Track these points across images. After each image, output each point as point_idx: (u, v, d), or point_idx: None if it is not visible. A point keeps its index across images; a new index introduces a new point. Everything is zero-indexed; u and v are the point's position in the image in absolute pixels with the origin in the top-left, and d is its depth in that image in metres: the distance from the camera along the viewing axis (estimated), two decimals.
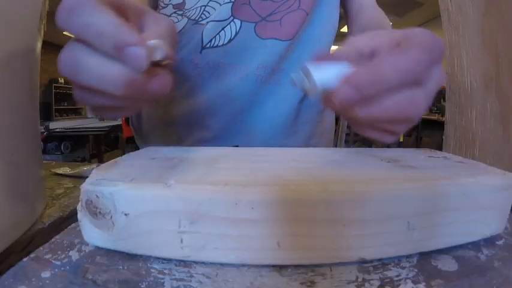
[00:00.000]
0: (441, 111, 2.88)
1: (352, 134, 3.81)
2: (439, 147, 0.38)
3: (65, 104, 5.72)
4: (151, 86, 0.18)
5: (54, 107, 5.35)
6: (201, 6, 0.41)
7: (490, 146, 0.34)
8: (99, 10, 0.17)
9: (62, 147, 2.77)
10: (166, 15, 0.43)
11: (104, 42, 0.16)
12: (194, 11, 0.42)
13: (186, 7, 0.42)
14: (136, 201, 0.15)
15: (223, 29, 0.41)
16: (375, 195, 0.15)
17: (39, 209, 0.24)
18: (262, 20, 0.42)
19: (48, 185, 0.31)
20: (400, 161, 0.21)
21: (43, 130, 2.53)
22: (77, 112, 5.99)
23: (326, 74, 0.18)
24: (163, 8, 0.43)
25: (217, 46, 0.41)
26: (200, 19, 0.41)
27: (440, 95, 2.92)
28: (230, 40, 0.41)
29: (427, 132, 2.88)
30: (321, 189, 0.15)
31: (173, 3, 0.42)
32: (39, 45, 0.24)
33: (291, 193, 0.15)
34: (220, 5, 0.41)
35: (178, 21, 0.43)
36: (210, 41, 0.41)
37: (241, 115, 0.44)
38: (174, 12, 0.43)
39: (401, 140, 2.66)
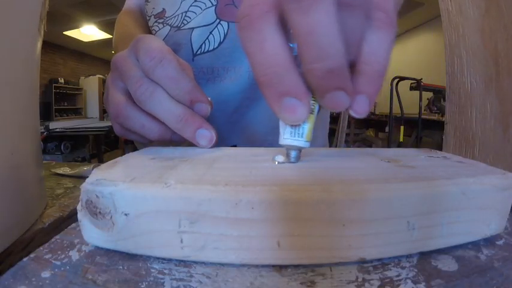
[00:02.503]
0: (441, 111, 2.89)
1: (352, 134, 3.81)
2: (439, 147, 0.38)
3: (65, 104, 5.73)
4: (201, 131, 0.25)
5: (54, 107, 5.35)
6: (181, 13, 0.41)
7: (490, 146, 0.34)
8: (181, 68, 0.24)
9: (62, 147, 2.77)
10: (150, 26, 0.44)
11: (183, 95, 0.24)
12: (175, 19, 0.42)
13: (166, 15, 0.43)
14: (136, 201, 0.15)
15: (211, 33, 0.41)
16: (374, 195, 0.15)
17: (39, 209, 0.24)
18: None
19: (48, 185, 0.31)
20: (400, 161, 0.21)
21: (43, 130, 2.53)
22: (77, 112, 5.99)
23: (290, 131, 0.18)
24: (148, 19, 0.45)
25: (208, 51, 0.41)
26: (182, 25, 0.42)
27: (440, 95, 2.93)
28: (220, 43, 0.41)
29: (427, 132, 2.88)
30: (321, 189, 0.15)
31: (154, 14, 0.43)
32: (39, 45, 0.24)
33: (291, 193, 0.15)
34: (202, 9, 0.40)
35: (159, 29, 0.43)
36: (200, 47, 0.41)
37: (236, 114, 0.44)
38: (156, 21, 0.44)
39: (401, 140, 2.66)
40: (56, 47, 5.51)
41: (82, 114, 6.00)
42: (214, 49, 0.41)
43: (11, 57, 0.20)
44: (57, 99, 5.45)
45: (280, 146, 0.19)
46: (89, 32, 4.78)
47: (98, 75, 5.91)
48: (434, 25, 4.09)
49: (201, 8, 0.41)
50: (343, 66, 0.15)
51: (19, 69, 0.21)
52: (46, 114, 5.05)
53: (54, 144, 2.74)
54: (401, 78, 2.70)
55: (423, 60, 4.28)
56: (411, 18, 4.19)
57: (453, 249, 0.18)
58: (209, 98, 0.26)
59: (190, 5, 0.41)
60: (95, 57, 6.70)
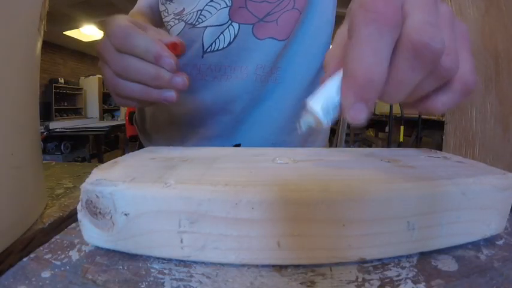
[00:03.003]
0: None
1: (352, 134, 3.81)
2: (439, 147, 0.38)
3: (65, 104, 5.72)
4: (175, 79, 0.28)
5: (54, 107, 5.35)
6: (197, 11, 0.43)
7: (490, 146, 0.34)
8: (142, 35, 0.27)
9: (62, 147, 2.77)
10: (167, 21, 0.46)
11: (148, 56, 0.27)
12: (191, 16, 0.43)
13: (184, 12, 0.44)
14: (136, 201, 0.15)
15: (222, 33, 0.42)
16: (374, 195, 0.15)
17: (39, 209, 0.24)
18: (259, 21, 0.43)
19: (48, 185, 0.31)
20: (400, 161, 0.21)
21: (43, 130, 2.53)
22: (77, 112, 5.99)
23: (325, 103, 0.17)
24: (166, 16, 0.46)
25: (217, 50, 0.43)
26: (197, 23, 0.43)
27: None
28: (230, 43, 0.42)
29: (427, 132, 2.88)
30: (321, 189, 0.15)
31: (175, 12, 0.45)
32: (39, 45, 0.24)
33: (291, 193, 0.15)
34: (217, 9, 0.42)
35: (175, 24, 0.44)
36: (211, 45, 0.43)
37: (242, 114, 0.45)
38: (173, 18, 0.45)
39: (401, 140, 2.66)
40: (56, 47, 5.51)
41: (82, 114, 6.00)
42: (223, 48, 0.42)
43: (11, 57, 0.19)
44: (57, 99, 5.45)
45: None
46: (89, 32, 4.78)
47: (98, 75, 5.90)
48: None
49: (216, 8, 0.42)
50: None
51: (19, 69, 0.21)
52: (46, 114, 5.05)
53: (54, 144, 2.74)
54: None
55: None
56: None
57: (453, 249, 0.18)
58: (179, 41, 0.30)
59: (206, 4, 0.42)
60: (95, 57, 6.65)
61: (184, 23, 0.44)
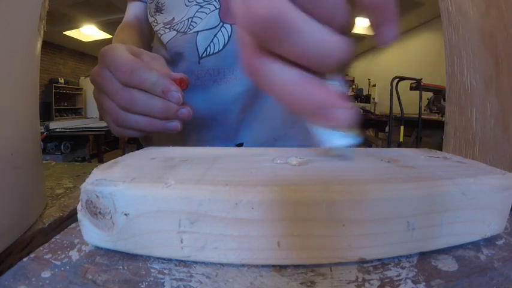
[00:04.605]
0: (441, 111, 2.88)
1: None
2: (439, 147, 0.38)
3: (65, 104, 5.73)
4: (181, 111, 0.30)
5: (54, 107, 5.36)
6: (188, 19, 0.43)
7: (490, 146, 0.34)
8: (149, 70, 0.28)
9: (62, 147, 2.77)
10: (157, 30, 0.46)
11: (156, 90, 0.28)
12: (182, 24, 0.44)
13: (174, 21, 0.45)
14: (136, 201, 0.15)
15: (215, 36, 0.42)
16: (375, 195, 0.15)
17: (39, 209, 0.24)
18: None
19: (48, 185, 0.31)
20: (400, 161, 0.21)
21: (43, 130, 2.53)
22: (77, 112, 5.99)
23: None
24: (155, 26, 0.47)
25: (213, 53, 0.43)
26: (188, 30, 0.43)
27: (440, 95, 2.93)
28: (224, 45, 0.42)
29: (427, 132, 2.88)
30: (321, 189, 0.15)
31: (164, 22, 0.45)
32: (39, 45, 0.24)
33: (291, 193, 0.15)
34: (207, 14, 0.42)
35: (165, 33, 0.45)
36: (206, 49, 0.43)
37: (243, 113, 0.45)
38: (163, 27, 0.45)
39: (401, 140, 2.66)
40: (56, 47, 5.51)
41: (82, 114, 6.00)
42: (219, 51, 0.43)
43: (10, 57, 0.19)
44: (57, 99, 5.45)
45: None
46: (89, 32, 4.78)
47: None
48: (434, 25, 4.09)
49: (206, 13, 0.43)
50: None
51: (19, 69, 0.21)
52: (46, 114, 5.06)
53: (54, 144, 2.73)
54: (401, 78, 2.70)
55: (423, 60, 4.28)
56: (411, 18, 4.19)
57: (453, 249, 0.18)
58: (185, 76, 0.32)
59: (197, 11, 0.43)
60: (95, 57, 6.66)
61: (175, 32, 0.44)
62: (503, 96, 0.33)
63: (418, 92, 2.68)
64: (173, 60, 0.45)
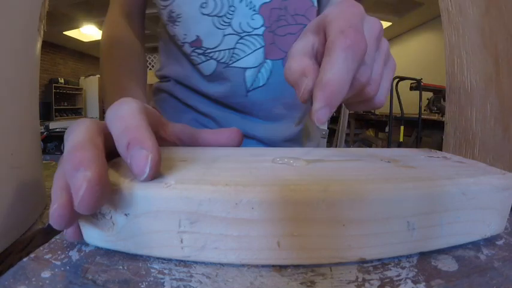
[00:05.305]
0: (441, 111, 2.88)
1: (352, 134, 3.81)
2: (439, 147, 0.38)
3: (65, 104, 5.73)
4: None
5: (54, 107, 5.36)
6: (228, 49, 0.44)
7: (490, 146, 0.34)
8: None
9: (62, 147, 2.76)
10: (186, 53, 0.46)
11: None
12: (221, 54, 0.44)
13: (204, 45, 0.44)
14: (136, 201, 0.15)
15: (259, 71, 0.45)
16: (375, 195, 0.15)
17: (39, 209, 0.24)
18: (287, 54, 0.45)
19: (48, 185, 0.31)
20: (400, 161, 0.21)
21: (43, 130, 2.53)
22: (77, 112, 5.99)
23: None
24: (181, 46, 0.45)
25: (258, 87, 0.46)
26: (230, 61, 0.44)
27: (440, 95, 2.93)
28: (268, 79, 0.46)
29: (427, 132, 2.88)
30: (321, 189, 0.15)
31: (188, 42, 0.44)
32: (39, 45, 0.24)
33: (291, 193, 0.15)
34: (252, 49, 0.44)
35: (203, 61, 0.45)
36: (252, 84, 0.46)
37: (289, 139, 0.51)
38: (193, 51, 0.45)
39: (401, 140, 2.66)
40: (56, 47, 5.51)
41: (82, 114, 6.00)
42: (263, 85, 0.46)
43: (10, 57, 0.20)
44: (57, 99, 5.45)
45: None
46: (89, 32, 4.77)
47: (97, 75, 5.90)
48: (434, 25, 4.09)
49: (249, 47, 0.44)
50: None
51: (19, 69, 0.21)
52: (46, 114, 5.05)
53: (54, 144, 2.73)
54: (401, 78, 2.70)
55: (423, 60, 4.28)
56: (411, 18, 4.18)
57: (453, 249, 0.18)
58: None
59: (237, 42, 0.44)
60: (95, 57, 6.69)
61: (216, 62, 0.45)
62: (503, 96, 0.33)
63: (418, 92, 2.68)
64: (216, 87, 0.46)
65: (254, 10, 0.43)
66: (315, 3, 0.46)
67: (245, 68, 0.44)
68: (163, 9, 0.44)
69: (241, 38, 0.43)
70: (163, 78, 0.52)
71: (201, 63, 0.45)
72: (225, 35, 0.43)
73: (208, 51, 0.44)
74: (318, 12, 0.49)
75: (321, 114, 0.19)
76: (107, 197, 0.15)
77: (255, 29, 0.43)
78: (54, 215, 0.14)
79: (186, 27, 0.43)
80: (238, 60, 0.44)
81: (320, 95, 0.19)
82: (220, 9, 0.42)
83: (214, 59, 0.44)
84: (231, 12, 0.42)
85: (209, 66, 0.45)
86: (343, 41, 0.18)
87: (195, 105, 0.48)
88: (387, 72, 0.23)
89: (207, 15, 0.42)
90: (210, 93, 0.47)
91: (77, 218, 0.15)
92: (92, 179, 0.13)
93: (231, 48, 0.43)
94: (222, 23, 0.43)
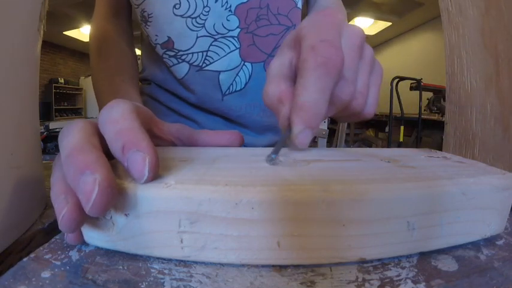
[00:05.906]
0: (441, 111, 2.88)
1: (352, 134, 3.81)
2: (439, 147, 0.38)
3: (65, 104, 5.73)
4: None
5: (54, 107, 5.36)
6: (201, 52, 0.42)
7: (490, 146, 0.34)
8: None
9: None
10: (160, 55, 0.43)
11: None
12: (194, 57, 0.42)
13: (176, 47, 0.42)
14: (136, 201, 0.15)
15: (237, 75, 0.43)
16: (375, 195, 0.15)
17: (39, 209, 0.24)
18: (268, 56, 0.44)
19: (48, 185, 0.31)
20: (400, 161, 0.21)
21: (43, 130, 2.54)
22: (77, 112, 5.99)
23: None
24: (154, 47, 0.44)
25: (235, 91, 0.44)
26: (204, 65, 0.43)
27: (440, 95, 2.93)
28: (246, 83, 0.44)
29: (427, 132, 2.88)
30: (321, 189, 0.15)
31: (160, 43, 0.43)
32: (39, 45, 0.24)
33: (291, 193, 0.15)
34: (226, 52, 0.42)
35: (174, 64, 0.43)
36: (228, 88, 0.44)
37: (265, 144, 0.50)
38: (165, 52, 0.43)
39: (401, 140, 2.66)
40: (56, 47, 5.51)
41: (82, 114, 6.00)
42: (241, 89, 0.44)
43: (10, 57, 0.19)
44: (57, 99, 5.45)
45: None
46: (88, 32, 4.78)
47: None
48: (434, 25, 4.09)
49: (223, 49, 0.42)
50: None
51: (19, 69, 0.21)
52: (46, 114, 5.06)
53: (54, 144, 2.73)
54: (401, 78, 2.70)
55: (423, 60, 4.28)
56: (411, 18, 4.18)
57: (453, 249, 0.18)
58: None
59: (211, 44, 0.41)
60: None
61: (188, 65, 0.42)
62: (503, 96, 0.33)
63: (418, 92, 2.68)
64: (189, 91, 0.45)
65: (230, 11, 0.40)
66: (299, 5, 0.44)
67: (219, 71, 0.42)
68: (136, 8, 0.43)
69: (215, 40, 0.41)
70: (144, 81, 0.50)
71: (172, 66, 0.43)
72: (198, 37, 0.41)
73: (180, 53, 0.42)
74: (306, 14, 0.48)
75: (301, 138, 0.18)
76: (117, 198, 0.15)
77: (230, 30, 0.41)
78: (65, 220, 0.14)
79: (157, 27, 0.41)
80: (212, 63, 0.42)
81: (297, 120, 0.18)
82: (194, 10, 0.40)
83: (187, 62, 0.42)
84: (205, 13, 0.40)
85: (181, 69, 0.43)
86: (314, 58, 0.17)
87: (177, 108, 0.47)
88: (374, 80, 0.22)
89: (180, 16, 0.40)
90: (184, 97, 0.45)
91: (85, 220, 0.15)
92: (102, 181, 0.13)
93: (205, 51, 0.42)
94: (196, 24, 0.41)
